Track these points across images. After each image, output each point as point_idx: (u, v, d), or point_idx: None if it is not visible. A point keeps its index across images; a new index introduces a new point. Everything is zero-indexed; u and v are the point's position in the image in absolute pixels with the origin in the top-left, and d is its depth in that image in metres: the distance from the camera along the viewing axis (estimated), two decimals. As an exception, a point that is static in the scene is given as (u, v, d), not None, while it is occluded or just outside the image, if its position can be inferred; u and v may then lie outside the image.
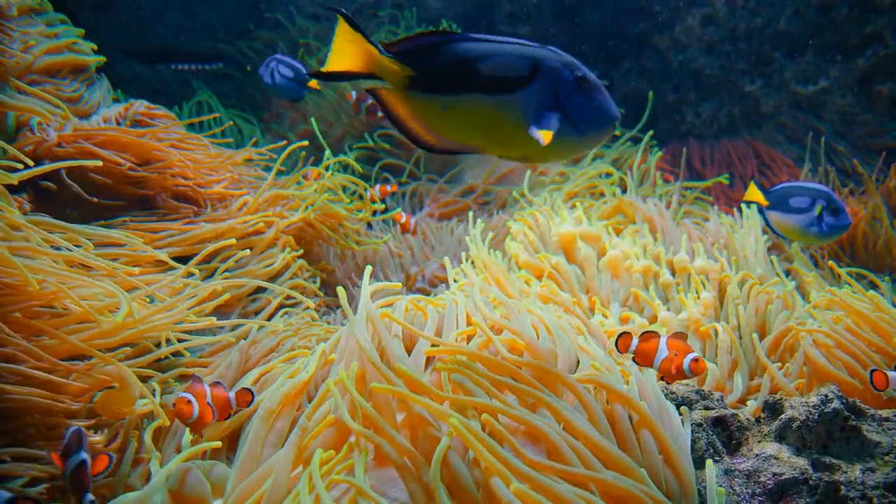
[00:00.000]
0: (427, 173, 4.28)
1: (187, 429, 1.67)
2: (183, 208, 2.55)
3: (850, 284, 2.30)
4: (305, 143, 3.07)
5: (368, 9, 5.15)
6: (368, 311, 1.58)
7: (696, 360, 1.70)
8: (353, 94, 4.09)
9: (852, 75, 4.28)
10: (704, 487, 1.46)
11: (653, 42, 4.86)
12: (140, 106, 2.66)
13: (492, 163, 4.23)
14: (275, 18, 5.12)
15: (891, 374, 1.76)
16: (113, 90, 2.97)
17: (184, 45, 5.15)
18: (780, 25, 4.41)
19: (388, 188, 3.59)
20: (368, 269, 1.73)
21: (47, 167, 1.99)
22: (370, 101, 4.04)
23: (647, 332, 1.78)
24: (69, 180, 2.31)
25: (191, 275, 2.32)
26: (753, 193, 2.65)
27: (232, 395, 1.63)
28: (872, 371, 1.77)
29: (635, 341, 1.76)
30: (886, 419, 1.67)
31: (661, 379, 1.77)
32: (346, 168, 3.51)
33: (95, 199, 2.35)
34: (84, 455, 1.36)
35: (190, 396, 1.53)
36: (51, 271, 1.75)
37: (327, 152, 3.08)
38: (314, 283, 2.81)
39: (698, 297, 2.41)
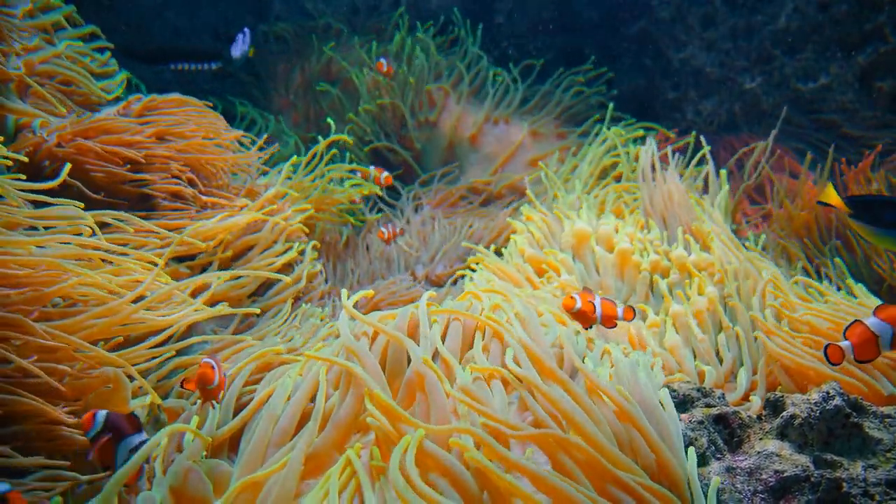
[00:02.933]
0: (427, 170, 4.30)
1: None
2: (185, 205, 2.54)
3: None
4: (286, 145, 3.19)
5: (366, 10, 5.15)
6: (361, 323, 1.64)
7: (586, 302, 1.90)
8: (383, 60, 4.16)
9: (853, 72, 4.27)
10: (704, 485, 1.47)
11: (653, 40, 4.86)
12: (136, 102, 2.64)
13: (491, 161, 4.25)
14: (276, 14, 5.13)
15: (844, 344, 1.75)
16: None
17: (184, 44, 5.14)
18: (779, 22, 4.40)
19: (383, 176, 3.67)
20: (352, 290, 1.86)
21: (53, 183, 2.02)
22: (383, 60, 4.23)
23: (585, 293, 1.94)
24: (71, 179, 2.30)
25: (192, 275, 2.32)
26: (831, 196, 2.36)
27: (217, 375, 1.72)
28: (827, 346, 1.77)
29: (578, 304, 1.91)
30: (888, 416, 1.67)
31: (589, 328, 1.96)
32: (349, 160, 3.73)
33: (100, 197, 2.34)
34: (144, 435, 1.51)
35: (213, 363, 1.65)
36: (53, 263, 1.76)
37: (320, 144, 3.18)
38: (318, 266, 2.91)
39: (702, 291, 2.44)
